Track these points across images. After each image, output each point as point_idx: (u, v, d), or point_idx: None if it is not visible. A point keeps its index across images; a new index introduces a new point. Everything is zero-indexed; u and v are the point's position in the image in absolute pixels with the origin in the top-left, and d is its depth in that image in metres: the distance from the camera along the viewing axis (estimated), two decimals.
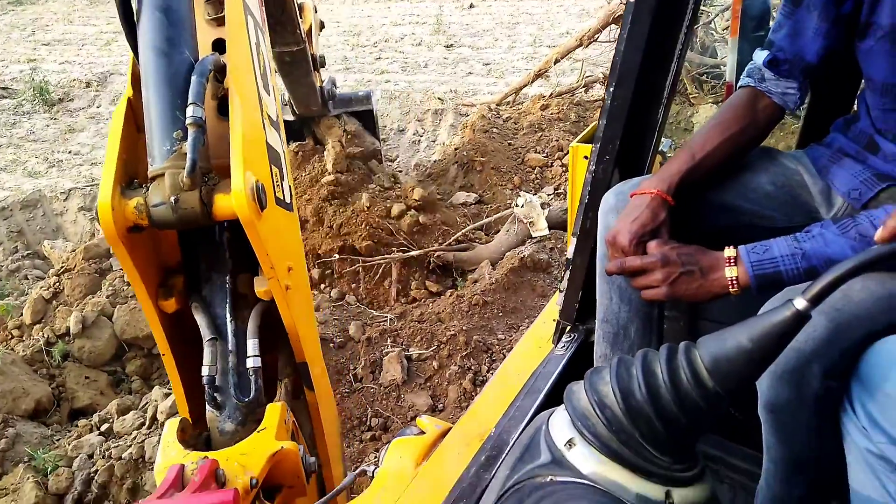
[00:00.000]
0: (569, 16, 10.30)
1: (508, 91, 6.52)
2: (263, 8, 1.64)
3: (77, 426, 3.22)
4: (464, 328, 3.50)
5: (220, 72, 1.27)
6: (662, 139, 1.56)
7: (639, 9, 1.29)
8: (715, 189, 1.35)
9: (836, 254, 1.02)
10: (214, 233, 1.34)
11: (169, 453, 1.13)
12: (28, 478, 2.78)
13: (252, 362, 1.25)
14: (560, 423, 0.97)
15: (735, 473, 1.40)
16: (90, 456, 2.90)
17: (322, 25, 4.27)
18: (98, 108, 7.30)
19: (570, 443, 0.91)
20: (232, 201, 1.13)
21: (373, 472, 1.68)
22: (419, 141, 6.19)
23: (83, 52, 9.71)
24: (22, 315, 3.79)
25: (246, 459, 1.12)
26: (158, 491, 1.01)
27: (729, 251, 1.11)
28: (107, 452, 2.87)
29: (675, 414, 0.81)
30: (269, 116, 1.37)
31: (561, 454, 0.90)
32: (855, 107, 1.36)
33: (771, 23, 1.72)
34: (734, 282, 1.09)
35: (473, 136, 5.28)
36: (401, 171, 5.61)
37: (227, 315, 1.29)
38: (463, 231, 4.30)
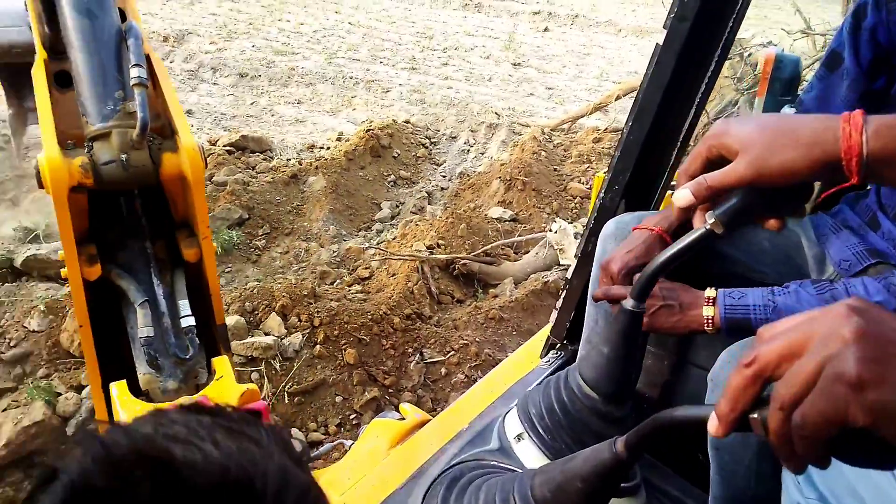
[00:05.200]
0: (641, 56, 10.28)
1: (566, 118, 6.56)
2: None
3: None
4: (476, 339, 3.54)
5: None
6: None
7: (665, 51, 1.32)
8: None
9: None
10: (123, 200, 1.34)
11: (133, 408, 1.14)
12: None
13: (186, 322, 1.27)
14: (512, 420, 1.09)
15: None
16: None
17: None
18: (171, 62, 7.55)
19: (519, 437, 1.03)
20: (183, 160, 1.16)
21: (349, 447, 1.74)
22: (469, 151, 6.26)
23: (167, 7, 10.06)
24: None
25: (221, 401, 1.16)
26: None
27: (709, 291, 1.16)
28: None
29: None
30: None
31: (510, 445, 1.03)
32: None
33: (800, 90, 1.75)
34: (710, 321, 1.13)
35: (522, 155, 5.33)
36: (445, 177, 5.69)
37: (155, 279, 1.31)
38: (493, 245, 4.35)
